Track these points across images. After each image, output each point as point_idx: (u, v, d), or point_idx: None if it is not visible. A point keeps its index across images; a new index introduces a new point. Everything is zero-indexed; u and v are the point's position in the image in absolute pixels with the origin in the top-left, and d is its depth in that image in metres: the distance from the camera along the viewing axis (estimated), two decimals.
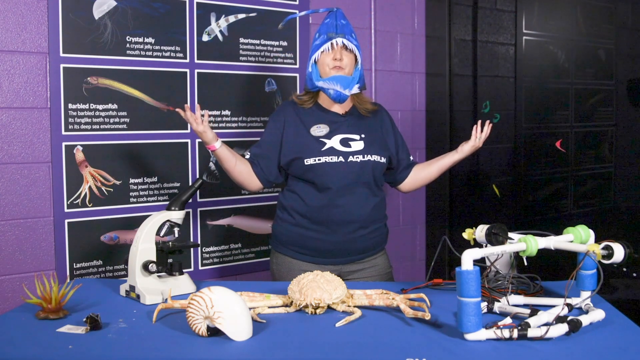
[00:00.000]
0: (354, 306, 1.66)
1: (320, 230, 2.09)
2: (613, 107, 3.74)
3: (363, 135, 2.15)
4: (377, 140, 2.17)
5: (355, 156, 2.10)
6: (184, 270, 1.89)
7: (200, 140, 2.74)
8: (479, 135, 2.18)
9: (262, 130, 2.89)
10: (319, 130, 2.13)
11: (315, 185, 2.09)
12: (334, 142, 2.11)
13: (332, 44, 2.09)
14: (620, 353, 1.39)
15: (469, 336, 1.42)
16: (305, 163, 2.08)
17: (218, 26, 2.77)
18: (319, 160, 2.07)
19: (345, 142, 2.12)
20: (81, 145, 2.48)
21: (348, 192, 2.08)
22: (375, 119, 2.22)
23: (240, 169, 2.12)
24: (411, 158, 2.31)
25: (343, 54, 2.10)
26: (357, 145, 2.12)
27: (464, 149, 2.19)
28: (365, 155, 2.11)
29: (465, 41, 3.33)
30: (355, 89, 2.13)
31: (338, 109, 2.19)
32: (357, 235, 2.12)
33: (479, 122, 2.19)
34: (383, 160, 2.15)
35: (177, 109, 2.04)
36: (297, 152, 2.10)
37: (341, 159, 2.09)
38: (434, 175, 2.29)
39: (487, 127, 2.18)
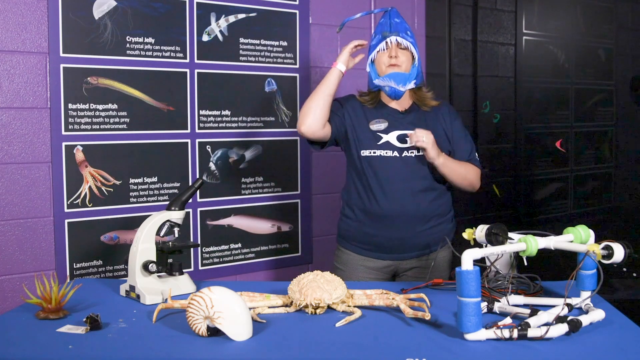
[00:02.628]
0: (354, 306, 1.66)
1: (377, 226, 2.10)
2: (613, 107, 3.74)
3: None
4: (435, 136, 2.10)
5: (410, 151, 2.11)
6: (184, 270, 1.89)
7: (200, 140, 2.75)
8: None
9: (262, 130, 2.91)
10: (377, 124, 2.15)
11: (371, 180, 2.11)
12: (391, 137, 2.13)
13: (386, 42, 2.11)
14: (620, 353, 1.39)
15: (469, 336, 1.42)
16: (362, 154, 2.12)
17: (218, 26, 2.77)
18: (374, 153, 2.11)
19: (401, 139, 2.13)
20: (81, 145, 2.48)
21: (404, 186, 2.09)
22: (435, 114, 2.20)
23: (329, 103, 2.09)
24: (471, 156, 2.19)
25: (398, 52, 2.11)
26: None
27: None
28: (421, 150, 2.10)
29: (465, 41, 3.33)
30: (411, 85, 2.13)
31: (397, 105, 2.19)
32: (415, 231, 2.11)
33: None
34: None
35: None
36: (353, 140, 2.14)
37: (396, 153, 2.11)
38: (448, 178, 2.16)
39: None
